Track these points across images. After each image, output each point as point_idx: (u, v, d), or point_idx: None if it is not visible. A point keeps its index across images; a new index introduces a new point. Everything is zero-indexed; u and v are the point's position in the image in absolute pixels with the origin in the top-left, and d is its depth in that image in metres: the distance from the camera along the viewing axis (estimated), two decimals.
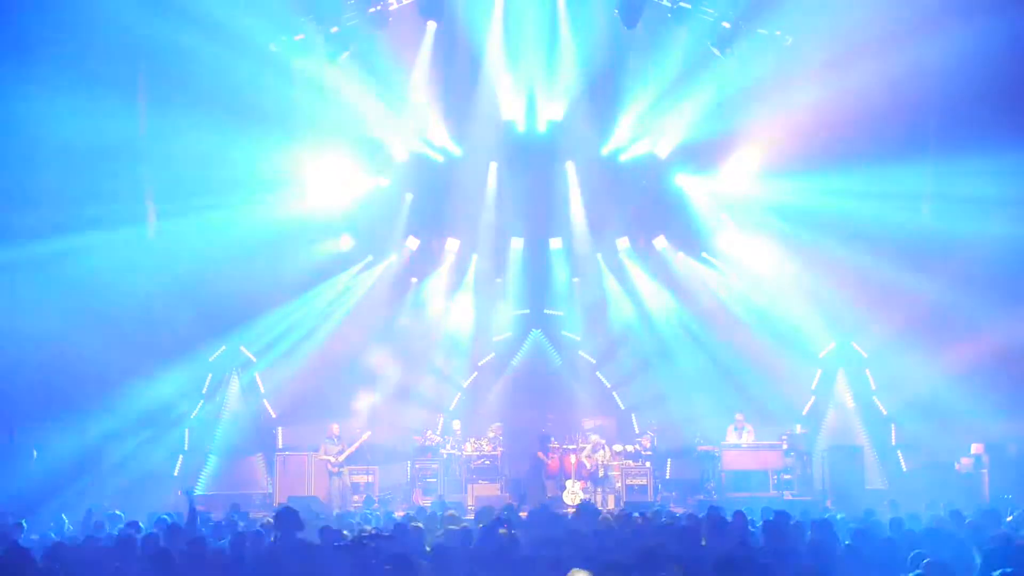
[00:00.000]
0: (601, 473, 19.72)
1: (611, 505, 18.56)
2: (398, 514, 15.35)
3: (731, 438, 19.89)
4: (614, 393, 22.19)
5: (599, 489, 19.57)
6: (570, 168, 22.10)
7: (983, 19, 17.57)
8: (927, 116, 19.60)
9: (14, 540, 10.79)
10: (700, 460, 20.05)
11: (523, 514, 13.42)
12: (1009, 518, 12.92)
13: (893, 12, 18.22)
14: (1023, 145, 17.95)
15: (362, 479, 19.79)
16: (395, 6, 20.04)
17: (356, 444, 19.65)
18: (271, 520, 10.91)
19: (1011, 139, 18.09)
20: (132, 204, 19.15)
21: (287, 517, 9.82)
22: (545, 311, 22.75)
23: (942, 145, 19.37)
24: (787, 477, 19.58)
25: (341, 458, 19.47)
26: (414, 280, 22.39)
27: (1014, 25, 17.77)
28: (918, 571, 7.54)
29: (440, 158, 21.71)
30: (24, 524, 12.81)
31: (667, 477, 20.58)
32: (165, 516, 12.94)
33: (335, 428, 19.82)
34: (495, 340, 22.54)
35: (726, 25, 20.18)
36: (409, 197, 21.94)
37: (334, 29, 19.89)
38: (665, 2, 20.27)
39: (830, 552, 9.34)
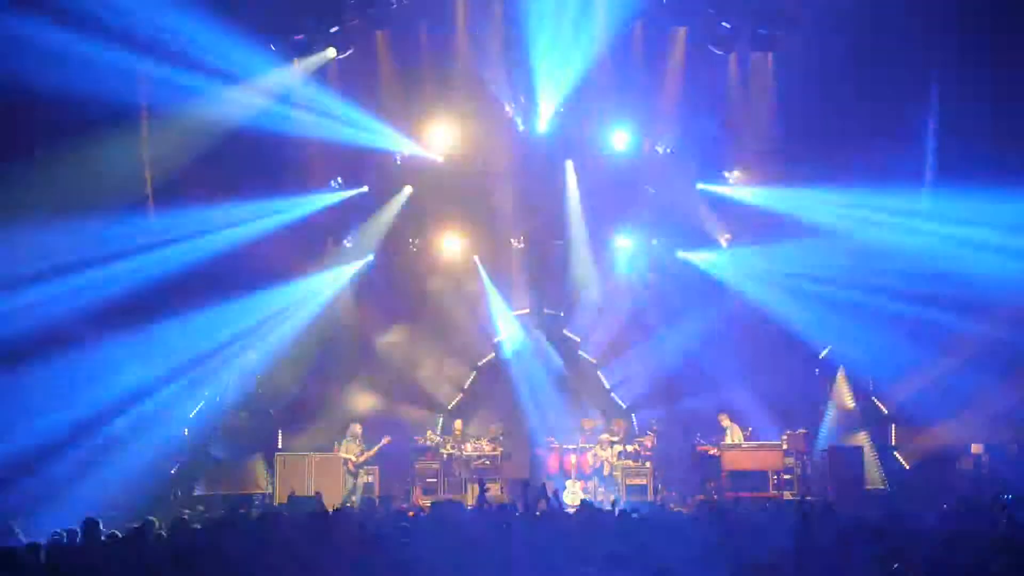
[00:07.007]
0: (607, 471, 19.75)
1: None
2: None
3: (728, 439, 19.93)
4: (613, 393, 22.20)
5: (600, 489, 19.59)
6: (570, 168, 22.09)
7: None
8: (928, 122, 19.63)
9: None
10: (700, 460, 20.05)
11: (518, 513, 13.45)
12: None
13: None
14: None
15: (362, 479, 19.78)
16: (395, 6, 20.07)
17: (376, 448, 19.68)
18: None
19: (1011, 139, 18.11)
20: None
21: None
22: (545, 311, 22.73)
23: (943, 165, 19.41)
24: (787, 477, 19.59)
25: (361, 459, 19.48)
26: (413, 280, 22.36)
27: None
28: None
29: (440, 158, 21.70)
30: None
31: (667, 477, 20.56)
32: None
33: (358, 428, 19.84)
34: (495, 340, 22.54)
35: (726, 25, 20.19)
36: (408, 195, 21.94)
37: (334, 29, 19.91)
38: (665, 2, 20.29)
39: None
